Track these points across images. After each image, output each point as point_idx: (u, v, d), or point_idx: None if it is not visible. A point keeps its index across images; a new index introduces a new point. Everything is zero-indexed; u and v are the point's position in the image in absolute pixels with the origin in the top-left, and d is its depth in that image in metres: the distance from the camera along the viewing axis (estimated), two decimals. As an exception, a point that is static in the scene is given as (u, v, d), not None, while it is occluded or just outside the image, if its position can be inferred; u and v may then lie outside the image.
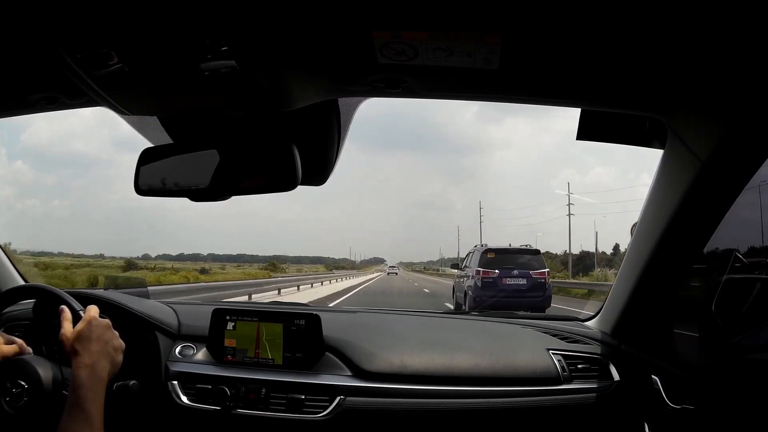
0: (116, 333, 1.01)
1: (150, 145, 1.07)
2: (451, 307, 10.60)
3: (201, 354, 1.37)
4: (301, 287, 16.44)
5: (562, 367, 1.34)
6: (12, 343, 1.01)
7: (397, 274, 46.28)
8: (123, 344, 1.01)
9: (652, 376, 1.18)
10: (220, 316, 1.37)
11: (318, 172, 1.12)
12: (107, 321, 1.01)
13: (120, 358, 0.99)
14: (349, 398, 1.25)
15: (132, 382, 1.16)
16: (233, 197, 1.00)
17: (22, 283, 1.59)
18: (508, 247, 10.52)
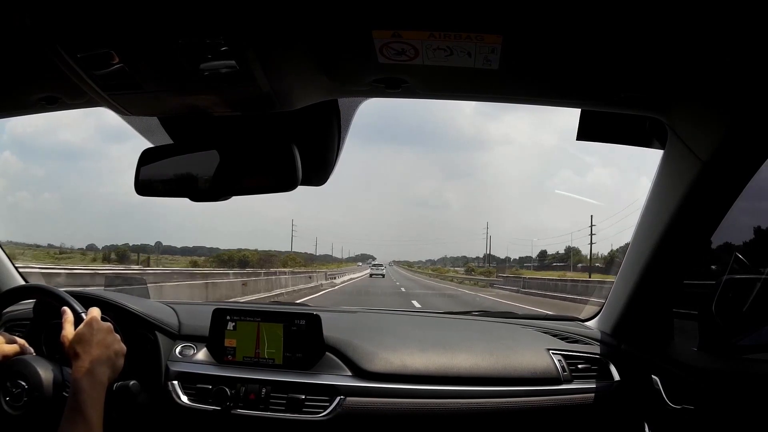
0: (118, 337, 1.01)
1: (150, 145, 1.07)
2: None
3: (201, 354, 1.37)
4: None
5: (563, 367, 1.34)
6: (13, 342, 1.02)
7: (383, 276, 31.56)
8: (124, 348, 1.01)
9: (652, 376, 1.18)
10: (220, 316, 1.37)
11: (318, 172, 1.12)
12: (108, 324, 1.00)
13: (121, 362, 0.99)
14: (349, 398, 1.25)
15: (132, 382, 1.16)
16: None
17: (23, 283, 1.59)
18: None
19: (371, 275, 30.99)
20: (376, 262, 44.15)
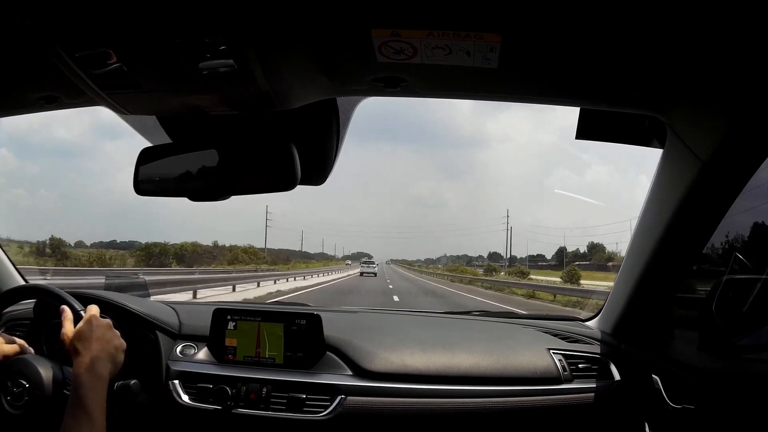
0: (117, 332, 1.01)
1: (149, 144, 1.08)
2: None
3: (202, 353, 1.37)
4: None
5: (563, 367, 1.34)
6: (13, 343, 1.02)
7: (375, 274, 28.50)
8: (124, 343, 1.01)
9: (653, 376, 1.18)
10: (221, 315, 1.37)
11: (317, 171, 1.12)
12: (108, 321, 1.01)
13: (121, 357, 0.99)
14: (349, 398, 1.25)
15: (133, 382, 1.16)
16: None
17: (23, 283, 1.59)
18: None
19: (362, 273, 28.55)
20: (367, 260, 38.91)
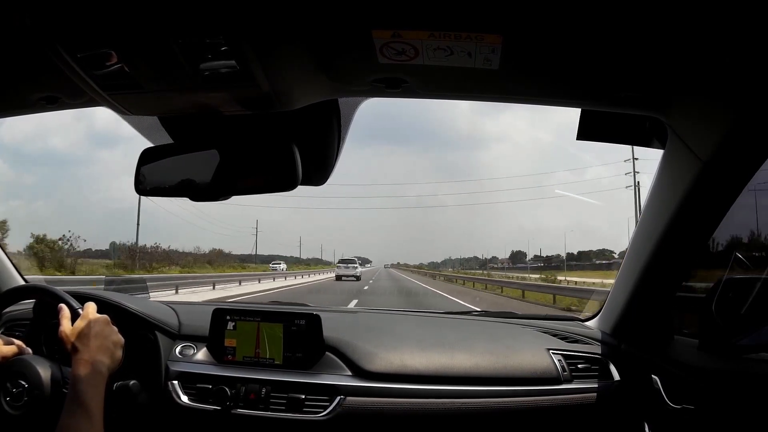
0: (115, 328, 1.02)
1: (150, 145, 1.07)
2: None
3: (201, 354, 1.37)
4: None
5: (562, 367, 1.34)
6: (11, 344, 1.02)
7: (357, 278, 24.14)
8: (122, 339, 1.02)
9: (653, 376, 1.19)
10: (220, 316, 1.37)
11: (318, 171, 1.12)
12: (105, 317, 1.01)
13: (119, 353, 1.00)
14: (349, 398, 1.25)
15: (132, 382, 1.16)
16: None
17: (22, 283, 1.59)
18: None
19: (338, 277, 24.63)
20: (345, 258, 30.81)
